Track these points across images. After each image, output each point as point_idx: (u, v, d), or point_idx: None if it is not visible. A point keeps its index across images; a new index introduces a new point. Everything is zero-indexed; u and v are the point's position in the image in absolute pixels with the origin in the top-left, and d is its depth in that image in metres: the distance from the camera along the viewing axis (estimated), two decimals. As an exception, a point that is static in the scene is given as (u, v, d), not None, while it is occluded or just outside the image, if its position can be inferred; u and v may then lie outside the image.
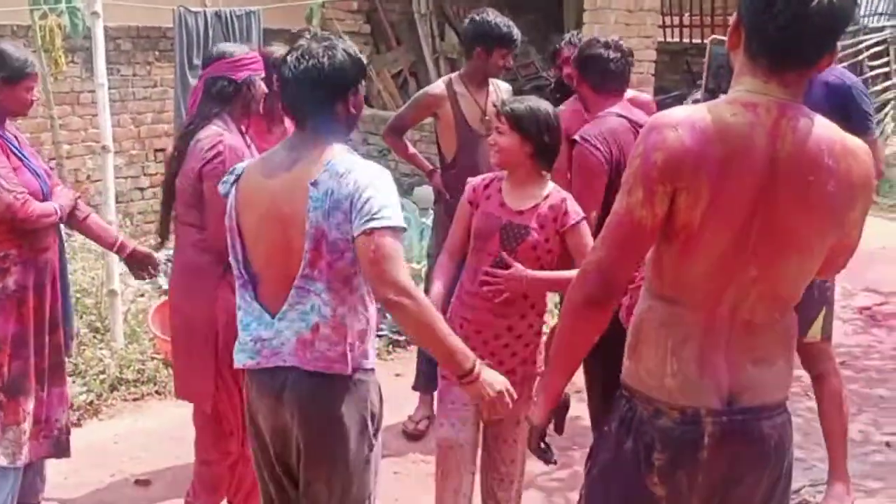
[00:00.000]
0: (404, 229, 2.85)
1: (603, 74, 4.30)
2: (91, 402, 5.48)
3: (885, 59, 13.97)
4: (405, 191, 10.52)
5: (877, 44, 13.82)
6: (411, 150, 5.74)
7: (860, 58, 13.25)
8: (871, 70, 13.47)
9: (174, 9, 9.29)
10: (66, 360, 4.38)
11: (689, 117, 2.22)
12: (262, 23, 9.95)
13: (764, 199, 2.23)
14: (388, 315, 6.79)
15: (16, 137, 4.08)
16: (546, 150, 3.68)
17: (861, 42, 13.39)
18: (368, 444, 3.02)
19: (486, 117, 5.18)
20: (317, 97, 2.90)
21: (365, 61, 3.04)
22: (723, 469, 2.38)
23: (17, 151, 3.96)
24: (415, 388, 5.68)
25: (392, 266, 2.76)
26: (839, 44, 3.87)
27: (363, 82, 3.03)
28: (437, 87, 5.50)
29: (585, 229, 3.66)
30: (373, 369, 3.05)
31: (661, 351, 2.37)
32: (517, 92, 5.87)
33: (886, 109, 13.61)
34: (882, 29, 14.34)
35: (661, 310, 2.38)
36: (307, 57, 2.87)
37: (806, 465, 4.92)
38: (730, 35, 2.31)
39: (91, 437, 5.13)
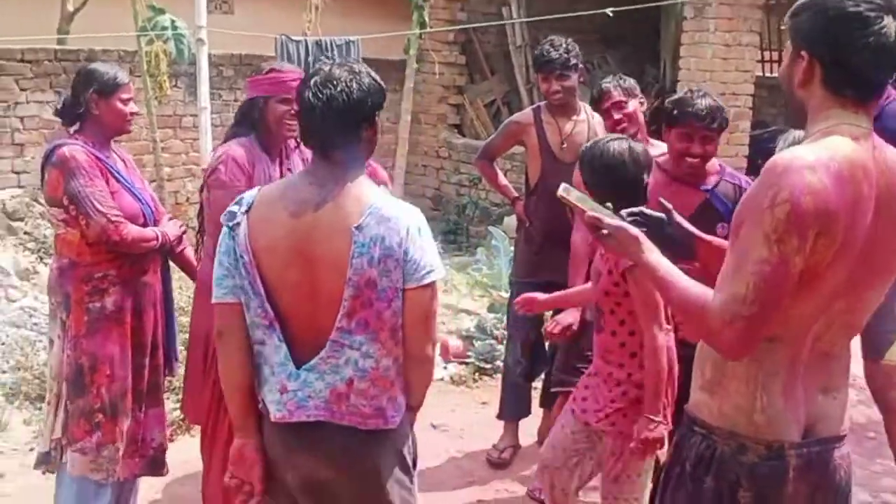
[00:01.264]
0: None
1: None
2: (184, 419, 5.59)
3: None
4: (495, 220, 10.54)
5: None
6: (501, 178, 5.79)
7: None
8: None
9: (276, 37, 9.50)
10: (167, 380, 4.46)
11: (819, 158, 2.16)
12: (360, 52, 10.11)
13: (870, 233, 2.23)
14: (474, 343, 6.92)
15: (123, 161, 4.14)
16: (607, 193, 3.20)
17: None
18: (407, 491, 2.88)
19: (564, 145, 5.24)
20: (344, 125, 2.73)
21: (384, 87, 2.84)
22: (803, 502, 2.37)
23: (118, 175, 4.01)
24: (499, 416, 5.68)
25: (435, 322, 2.81)
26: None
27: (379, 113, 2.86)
28: (524, 114, 5.59)
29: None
30: (412, 422, 2.94)
31: (751, 386, 2.33)
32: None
33: None
34: None
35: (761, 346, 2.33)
36: (333, 83, 2.71)
37: None
38: (801, 71, 2.28)
39: (183, 453, 5.22)
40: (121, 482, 4.11)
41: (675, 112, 4.02)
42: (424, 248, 2.71)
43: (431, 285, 2.73)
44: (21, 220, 8.91)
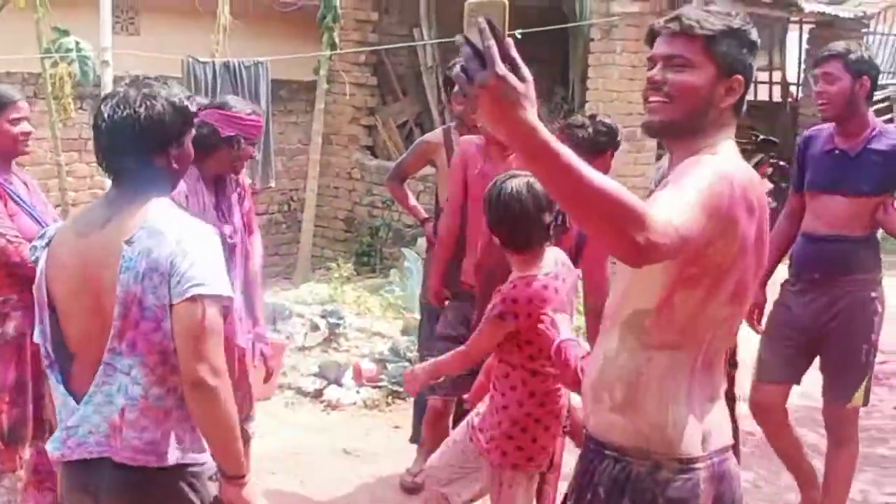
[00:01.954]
0: (230, 299, 2.60)
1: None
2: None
3: (887, 116, 14.04)
4: (408, 241, 10.52)
5: (882, 100, 13.93)
6: (411, 199, 5.79)
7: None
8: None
9: (182, 58, 9.38)
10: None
11: (738, 167, 2.31)
12: (269, 74, 10.04)
13: (755, 242, 2.30)
14: (387, 366, 6.86)
15: (25, 185, 4.07)
16: (505, 231, 3.59)
17: (865, 99, 13.48)
18: None
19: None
20: (132, 150, 2.54)
21: (189, 110, 2.67)
22: None
23: (16, 197, 3.94)
24: (412, 440, 5.63)
25: (215, 342, 2.48)
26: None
27: (187, 134, 2.66)
28: (434, 134, 5.62)
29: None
30: (203, 462, 2.62)
31: (664, 401, 2.32)
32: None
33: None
34: (885, 87, 14.46)
35: (662, 359, 2.32)
36: (123, 106, 2.53)
37: None
38: (728, 92, 2.34)
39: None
40: None
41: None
42: (195, 260, 2.46)
43: (199, 300, 2.45)
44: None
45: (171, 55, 9.65)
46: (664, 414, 2.32)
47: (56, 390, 2.61)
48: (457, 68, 1.81)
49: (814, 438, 6.09)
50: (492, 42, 1.78)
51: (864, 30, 14.54)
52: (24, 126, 3.99)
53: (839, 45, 4.42)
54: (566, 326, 3.30)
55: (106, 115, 2.54)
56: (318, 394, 6.71)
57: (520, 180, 3.59)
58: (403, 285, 8.81)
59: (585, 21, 10.91)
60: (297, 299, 8.44)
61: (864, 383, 4.50)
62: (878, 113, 13.59)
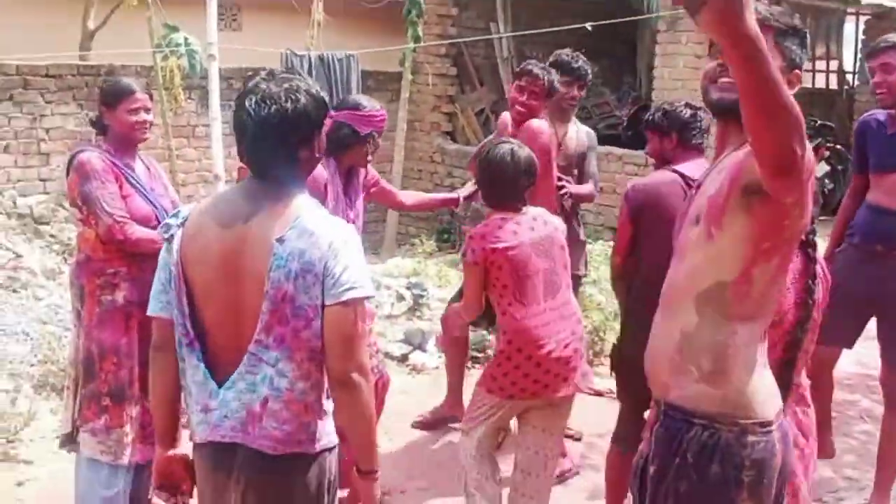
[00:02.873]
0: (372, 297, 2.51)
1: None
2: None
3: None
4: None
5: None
6: None
7: None
8: None
9: (282, 52, 9.49)
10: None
11: None
12: (359, 65, 10.10)
13: None
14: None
15: (148, 168, 4.13)
16: (488, 189, 3.87)
17: None
18: None
19: (561, 147, 5.24)
20: (281, 145, 2.43)
21: (326, 101, 2.55)
22: (781, 473, 2.37)
23: (133, 180, 3.98)
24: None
25: (363, 343, 2.44)
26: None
27: (325, 122, 2.54)
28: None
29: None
30: (333, 447, 2.57)
31: (747, 371, 2.31)
32: (592, 128, 5.84)
33: None
34: None
35: (744, 331, 2.31)
36: (269, 101, 2.40)
37: (860, 486, 4.82)
38: (789, 81, 2.32)
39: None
40: (139, 467, 4.09)
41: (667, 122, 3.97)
42: (348, 264, 2.38)
43: (353, 303, 2.38)
44: (47, 223, 8.89)
45: (270, 49, 9.77)
46: (748, 382, 2.31)
47: (195, 368, 2.49)
48: None
49: (867, 403, 6.02)
50: None
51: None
52: (142, 115, 4.01)
53: (894, 37, 4.38)
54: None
55: (252, 111, 2.39)
56: (403, 358, 6.78)
57: (506, 146, 3.82)
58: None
59: (653, 14, 10.78)
60: (384, 272, 8.51)
61: None
62: None
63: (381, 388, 4.40)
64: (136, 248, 3.92)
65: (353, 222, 4.19)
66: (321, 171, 3.98)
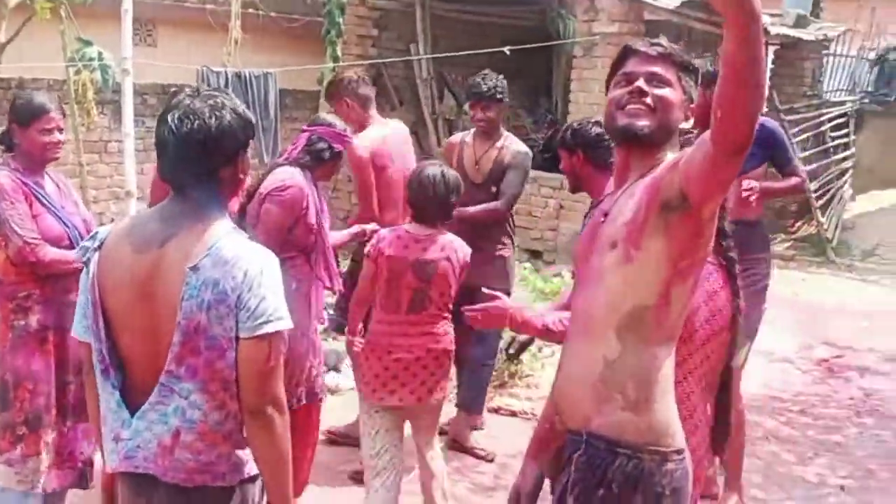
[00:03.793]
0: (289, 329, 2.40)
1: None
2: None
3: (845, 131, 14.08)
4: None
5: (838, 116, 13.95)
6: None
7: (823, 129, 13.36)
8: (832, 140, 13.57)
9: (198, 68, 9.36)
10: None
11: None
12: (277, 83, 10.03)
13: None
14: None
15: (58, 186, 4.02)
16: (420, 208, 4.13)
17: (824, 115, 13.50)
18: None
19: (476, 166, 5.40)
20: (202, 163, 2.35)
21: (251, 120, 2.46)
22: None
23: (43, 199, 3.88)
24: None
25: (278, 375, 2.35)
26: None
27: (248, 145, 2.46)
28: (456, 136, 5.82)
29: None
30: (253, 477, 2.47)
31: (666, 397, 2.32)
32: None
33: (845, 178, 13.69)
34: (843, 103, 14.50)
35: (664, 354, 2.32)
36: (192, 117, 2.32)
37: (765, 505, 4.91)
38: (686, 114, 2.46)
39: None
40: (49, 494, 3.97)
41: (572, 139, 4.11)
42: (264, 295, 2.28)
43: (268, 337, 2.29)
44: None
45: (186, 65, 9.64)
46: (667, 409, 2.33)
47: (110, 395, 2.41)
48: None
49: (772, 424, 6.14)
50: None
51: (825, 52, 14.56)
52: (55, 135, 3.90)
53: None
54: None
55: (174, 127, 2.32)
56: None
57: (436, 168, 4.16)
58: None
59: (569, 40, 10.92)
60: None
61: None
62: (836, 128, 13.66)
63: (316, 412, 4.39)
64: (48, 269, 3.82)
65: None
66: (302, 181, 4.10)
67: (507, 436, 5.60)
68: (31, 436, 3.87)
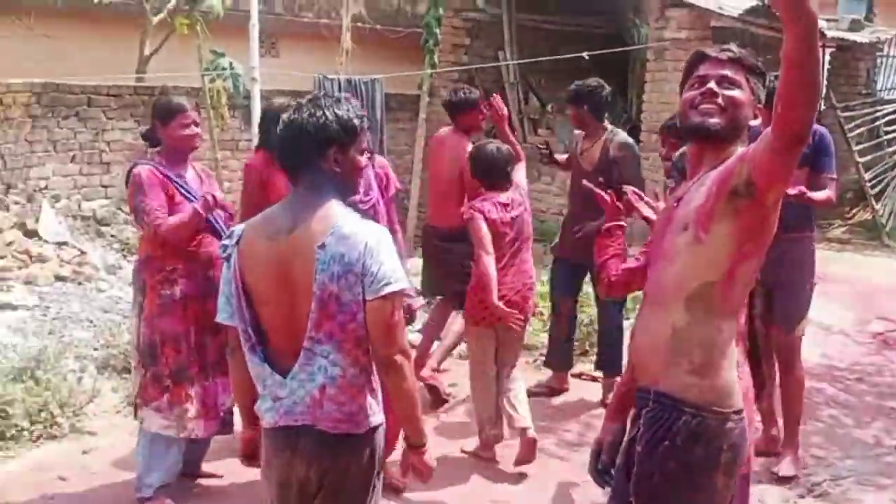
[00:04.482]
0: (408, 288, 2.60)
1: None
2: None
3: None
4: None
5: (891, 112, 13.50)
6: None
7: (877, 124, 12.95)
8: (885, 134, 13.14)
9: (315, 76, 9.51)
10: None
11: None
12: (384, 88, 10.12)
13: None
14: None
15: (200, 177, 4.14)
16: (482, 179, 4.59)
17: (878, 111, 13.08)
18: (374, 491, 2.62)
19: (582, 156, 5.51)
20: (300, 152, 2.50)
21: (353, 124, 2.53)
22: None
23: (182, 189, 3.99)
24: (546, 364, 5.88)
25: (402, 329, 2.48)
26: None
27: (351, 144, 2.54)
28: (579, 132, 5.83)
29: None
30: (380, 425, 2.60)
31: (729, 364, 2.33)
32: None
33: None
34: (894, 101, 14.02)
35: (727, 327, 2.32)
36: (297, 115, 2.50)
37: (827, 463, 4.81)
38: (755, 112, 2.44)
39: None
40: (195, 440, 4.11)
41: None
42: (383, 261, 2.41)
43: (391, 296, 2.42)
44: (108, 225, 8.94)
45: (304, 73, 9.80)
46: (729, 374, 2.33)
47: (259, 367, 2.53)
48: None
49: (832, 391, 6.01)
50: None
51: (878, 53, 14.08)
52: (192, 129, 4.04)
53: None
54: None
55: (282, 125, 2.52)
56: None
57: (492, 145, 4.66)
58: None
59: (642, 45, 10.78)
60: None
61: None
62: (889, 123, 13.21)
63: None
64: (177, 234, 3.92)
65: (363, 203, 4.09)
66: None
67: (589, 397, 5.60)
68: (175, 387, 4.00)
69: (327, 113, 2.50)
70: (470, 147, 5.08)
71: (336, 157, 2.51)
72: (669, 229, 2.41)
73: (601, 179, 5.33)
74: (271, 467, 2.59)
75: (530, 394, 5.63)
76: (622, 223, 2.97)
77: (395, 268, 2.45)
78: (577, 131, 5.81)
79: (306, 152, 2.49)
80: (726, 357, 2.32)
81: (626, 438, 2.54)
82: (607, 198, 3.04)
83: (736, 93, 2.37)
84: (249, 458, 2.79)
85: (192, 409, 4.02)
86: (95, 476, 4.41)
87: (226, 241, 2.60)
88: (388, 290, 2.41)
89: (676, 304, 2.33)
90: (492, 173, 4.56)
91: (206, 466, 4.41)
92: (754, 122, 2.44)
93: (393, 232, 4.17)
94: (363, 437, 2.54)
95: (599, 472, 2.67)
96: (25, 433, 4.69)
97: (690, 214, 2.32)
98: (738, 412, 2.34)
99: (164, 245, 3.96)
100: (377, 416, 2.57)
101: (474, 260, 4.52)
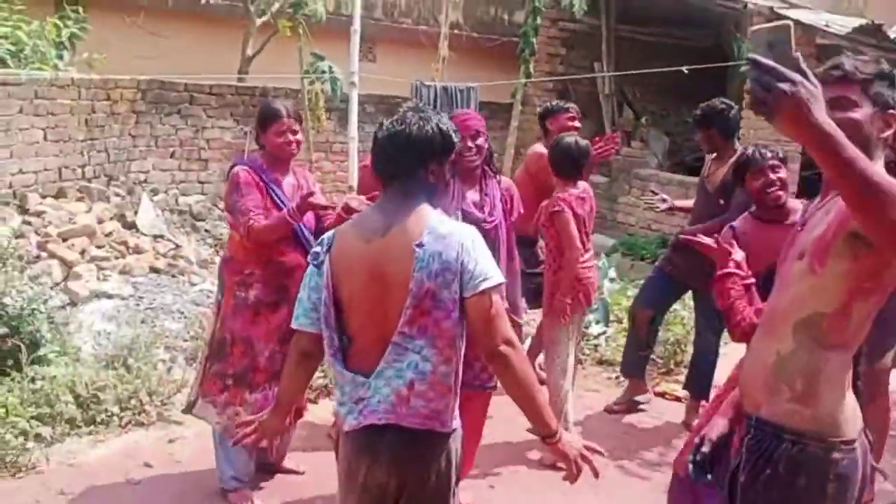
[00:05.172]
0: (504, 283, 2.57)
1: None
2: (325, 385, 5.56)
3: None
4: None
5: None
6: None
7: None
8: None
9: (412, 82, 9.58)
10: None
11: None
12: (478, 96, 10.13)
13: None
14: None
15: (297, 182, 4.12)
16: (560, 170, 4.79)
17: None
18: (453, 493, 2.62)
19: (708, 178, 5.39)
20: (403, 160, 2.55)
21: (452, 138, 2.62)
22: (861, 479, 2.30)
23: (274, 194, 3.99)
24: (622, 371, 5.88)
25: (504, 321, 2.49)
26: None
27: (447, 156, 2.63)
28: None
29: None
30: (458, 429, 2.61)
31: (836, 394, 2.24)
32: (681, 161, 5.86)
33: None
34: None
35: (837, 358, 2.24)
36: (400, 123, 2.57)
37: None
38: (886, 129, 2.22)
39: (322, 412, 5.24)
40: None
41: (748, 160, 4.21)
42: (478, 259, 2.48)
43: (488, 292, 2.47)
44: (203, 220, 9.14)
45: (401, 79, 9.87)
46: (835, 404, 2.24)
47: (341, 373, 2.57)
48: (749, 83, 1.87)
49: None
50: (796, 55, 1.76)
51: None
52: (287, 136, 4.01)
53: None
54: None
55: (386, 130, 2.58)
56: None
57: (571, 137, 4.84)
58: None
59: (742, 61, 10.53)
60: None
61: None
62: None
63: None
64: (266, 234, 3.91)
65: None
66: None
67: (670, 417, 5.49)
68: (234, 388, 4.03)
69: (432, 126, 2.57)
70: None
71: (433, 170, 2.58)
72: (790, 254, 2.33)
73: (721, 201, 5.28)
74: (350, 470, 2.59)
75: (609, 411, 5.58)
76: (733, 270, 2.89)
77: (491, 265, 2.50)
78: (707, 155, 5.68)
79: (409, 161, 2.56)
80: (834, 387, 2.23)
81: (730, 468, 2.45)
82: (713, 244, 2.99)
83: (850, 114, 2.19)
84: (261, 436, 2.79)
85: (243, 413, 3.94)
86: (180, 464, 4.52)
87: (317, 249, 2.63)
88: (485, 285, 2.46)
89: (784, 330, 2.26)
90: (568, 165, 4.74)
91: (288, 462, 4.47)
92: (888, 132, 2.27)
93: (510, 258, 4.18)
94: (447, 438, 2.55)
95: (697, 464, 2.61)
96: (115, 419, 4.83)
97: (809, 244, 2.22)
98: (848, 442, 2.24)
99: (247, 248, 3.99)
100: (456, 420, 2.59)
101: (554, 254, 4.76)
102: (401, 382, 2.49)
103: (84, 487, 4.20)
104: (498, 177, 4.17)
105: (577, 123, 5.85)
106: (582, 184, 4.83)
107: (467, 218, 3.76)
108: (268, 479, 4.39)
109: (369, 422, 2.52)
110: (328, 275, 2.55)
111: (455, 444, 2.59)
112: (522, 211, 4.37)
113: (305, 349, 2.68)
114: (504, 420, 4.63)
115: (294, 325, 2.66)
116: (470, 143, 3.90)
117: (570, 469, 2.52)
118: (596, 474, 2.53)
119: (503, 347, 2.46)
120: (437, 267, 2.45)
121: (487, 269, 2.48)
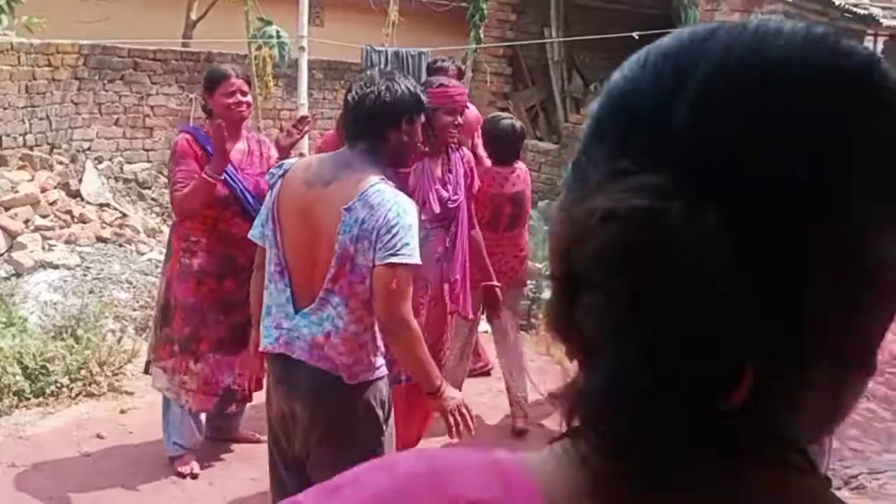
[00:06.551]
0: (417, 266, 2.65)
1: None
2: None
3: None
4: (534, 204, 10.45)
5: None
6: None
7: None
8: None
9: (363, 47, 9.49)
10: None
11: None
12: (428, 61, 10.04)
13: None
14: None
15: (249, 149, 4.05)
16: (496, 151, 4.74)
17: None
18: (378, 430, 2.74)
19: None
20: (370, 123, 2.68)
21: (423, 98, 2.80)
22: None
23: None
24: None
25: (403, 300, 2.58)
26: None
27: (419, 116, 2.76)
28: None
29: None
30: (381, 377, 2.76)
31: None
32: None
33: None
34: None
35: None
36: (370, 86, 2.67)
37: (864, 456, 4.76)
38: None
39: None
40: (191, 412, 4.09)
41: None
42: (396, 233, 2.54)
43: (395, 267, 2.54)
44: (149, 188, 9.01)
45: (352, 44, 9.78)
46: None
47: (281, 292, 2.69)
48: None
49: (870, 385, 5.92)
50: None
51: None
52: (237, 97, 3.93)
53: None
54: None
55: (355, 93, 2.68)
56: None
57: (507, 120, 4.78)
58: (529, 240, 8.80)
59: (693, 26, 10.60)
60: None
61: None
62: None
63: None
64: (191, 201, 3.82)
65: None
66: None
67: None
68: (180, 356, 4.02)
69: (401, 87, 2.68)
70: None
71: (405, 129, 2.70)
72: None
73: None
74: (269, 398, 2.80)
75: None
76: None
77: (409, 244, 2.57)
78: None
79: (378, 122, 2.67)
80: None
81: None
82: None
83: None
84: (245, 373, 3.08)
85: (189, 382, 4.02)
86: (132, 435, 4.48)
87: (274, 170, 2.76)
88: (393, 259, 2.54)
89: None
90: (500, 146, 4.67)
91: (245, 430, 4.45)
92: None
93: (472, 227, 4.12)
94: (355, 389, 2.68)
95: None
96: (65, 390, 4.78)
97: None
98: None
99: (194, 216, 3.94)
100: (377, 371, 2.73)
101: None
102: (319, 330, 2.63)
103: (35, 460, 4.15)
104: (462, 149, 4.06)
105: None
106: (515, 168, 4.72)
107: (440, 199, 3.73)
108: (226, 448, 4.37)
109: (282, 351, 2.69)
110: (275, 198, 2.69)
111: (371, 395, 2.71)
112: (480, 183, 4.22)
113: (257, 262, 2.89)
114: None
115: (248, 236, 2.85)
116: (457, 121, 3.78)
117: (446, 420, 2.72)
118: (469, 430, 2.72)
119: (397, 328, 2.61)
120: (356, 233, 2.55)
121: (402, 246, 2.55)
